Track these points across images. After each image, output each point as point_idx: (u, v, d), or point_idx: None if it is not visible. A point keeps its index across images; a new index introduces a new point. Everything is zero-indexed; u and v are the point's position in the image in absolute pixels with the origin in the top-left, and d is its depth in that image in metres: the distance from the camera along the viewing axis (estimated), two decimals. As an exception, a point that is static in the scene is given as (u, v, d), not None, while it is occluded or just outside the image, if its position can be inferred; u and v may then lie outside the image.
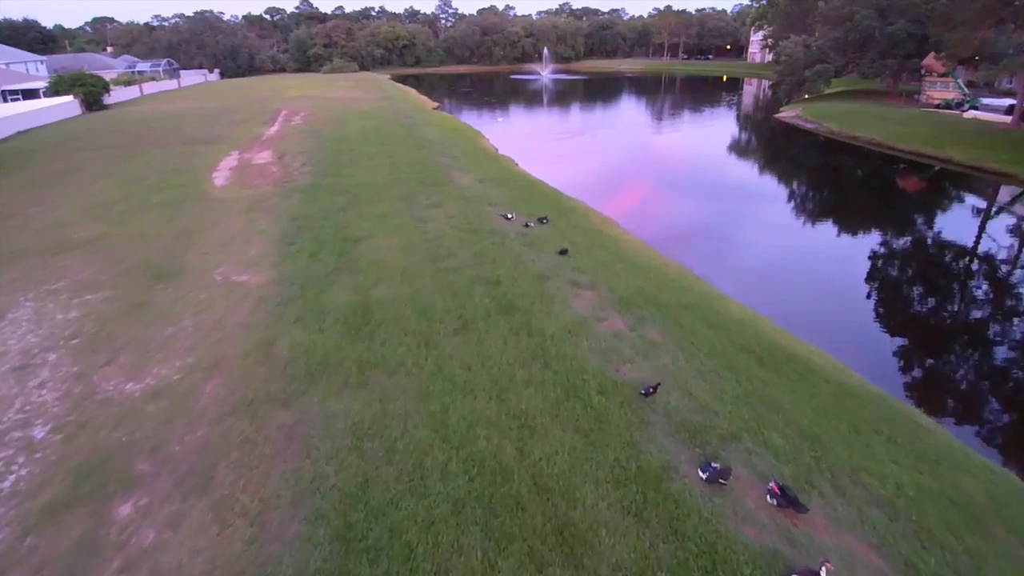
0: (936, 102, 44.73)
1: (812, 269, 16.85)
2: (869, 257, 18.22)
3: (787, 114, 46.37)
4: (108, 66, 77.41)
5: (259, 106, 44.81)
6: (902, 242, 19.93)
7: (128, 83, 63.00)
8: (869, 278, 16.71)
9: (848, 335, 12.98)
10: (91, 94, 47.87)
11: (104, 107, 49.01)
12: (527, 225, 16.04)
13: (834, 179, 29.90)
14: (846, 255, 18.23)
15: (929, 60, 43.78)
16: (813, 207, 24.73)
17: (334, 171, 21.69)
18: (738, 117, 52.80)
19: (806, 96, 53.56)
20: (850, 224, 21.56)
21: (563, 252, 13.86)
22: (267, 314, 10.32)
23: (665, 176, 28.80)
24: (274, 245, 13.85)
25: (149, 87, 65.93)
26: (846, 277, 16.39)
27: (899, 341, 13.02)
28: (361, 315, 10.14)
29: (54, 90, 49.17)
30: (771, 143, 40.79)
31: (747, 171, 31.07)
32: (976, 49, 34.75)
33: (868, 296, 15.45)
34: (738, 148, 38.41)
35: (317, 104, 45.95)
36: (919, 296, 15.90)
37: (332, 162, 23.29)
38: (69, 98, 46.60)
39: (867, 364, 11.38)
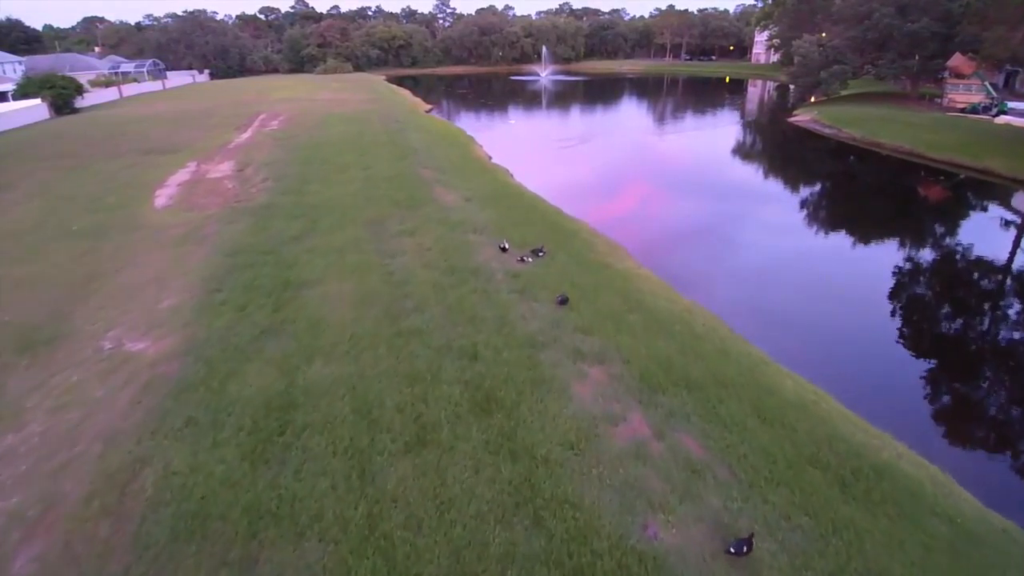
0: (960, 106, 41.76)
1: (869, 304, 13.91)
2: (932, 286, 15.35)
3: (801, 118, 43.42)
4: (91, 67, 74.41)
5: (238, 109, 41.88)
6: (976, 273, 16.99)
7: (107, 84, 60.16)
8: (934, 315, 13.81)
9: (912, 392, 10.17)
10: (61, 97, 44.92)
11: (75, 111, 46.09)
12: (523, 260, 13.13)
13: (868, 192, 26.93)
14: (905, 284, 15.33)
15: (956, 61, 40.85)
16: (852, 227, 21.59)
17: (297, 187, 18.76)
18: (750, 121, 49.80)
19: (812, 100, 50.70)
20: (898, 244, 18.64)
21: (563, 301, 10.94)
22: (148, 413, 7.38)
23: (678, 190, 25.82)
24: (195, 293, 10.91)
25: (130, 89, 63.04)
26: (909, 317, 13.51)
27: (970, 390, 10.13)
28: (277, 417, 7.20)
29: (23, 92, 46.32)
30: (790, 151, 37.83)
31: (769, 183, 28.13)
32: (1014, 49, 31.84)
33: (947, 342, 12.55)
34: (755, 156, 35.52)
35: (300, 107, 43.02)
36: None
37: (298, 176, 20.35)
38: (37, 101, 43.74)
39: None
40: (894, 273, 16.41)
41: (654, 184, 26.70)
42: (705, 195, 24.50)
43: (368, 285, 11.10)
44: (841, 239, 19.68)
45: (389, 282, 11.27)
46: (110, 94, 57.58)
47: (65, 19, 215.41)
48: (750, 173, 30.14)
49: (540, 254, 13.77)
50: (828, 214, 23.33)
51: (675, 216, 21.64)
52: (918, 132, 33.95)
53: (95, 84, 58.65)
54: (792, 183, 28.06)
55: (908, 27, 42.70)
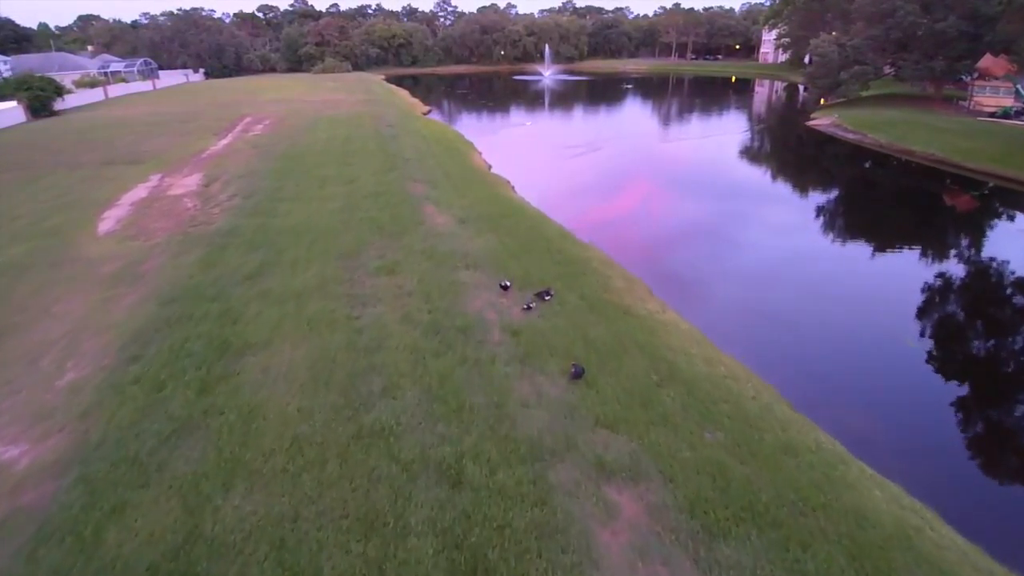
0: (989, 110, 39.23)
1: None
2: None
3: (821, 121, 40.89)
4: (79, 66, 72.01)
5: (223, 112, 39.53)
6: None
7: (92, 85, 57.87)
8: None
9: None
10: (37, 99, 42.64)
11: (53, 113, 43.81)
12: (528, 307, 10.76)
13: (912, 207, 24.41)
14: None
15: (987, 61, 38.27)
16: (903, 246, 19.04)
17: (267, 206, 16.38)
18: (765, 125, 47.17)
19: (823, 102, 48.12)
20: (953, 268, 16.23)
21: (577, 375, 8.55)
22: (-27, 589, 5.03)
23: (696, 203, 23.35)
24: (107, 362, 8.54)
25: (117, 89, 60.86)
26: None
27: None
28: (160, 601, 4.84)
29: (-1, 94, 44.06)
30: (814, 158, 35.22)
31: (798, 195, 25.68)
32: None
33: None
34: (777, 164, 32.77)
35: (290, 109, 40.65)
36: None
37: (271, 192, 17.97)
38: (13, 104, 41.44)
39: None
40: (954, 297, 14.07)
41: (670, 197, 24.24)
42: (727, 209, 21.99)
43: (327, 351, 8.70)
44: (892, 259, 17.21)
45: (355, 347, 8.87)
46: (95, 95, 55.35)
47: (61, 18, 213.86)
48: (774, 183, 27.62)
49: (547, 297, 11.39)
50: (873, 232, 20.81)
51: (695, 233, 19.15)
52: (950, 138, 31.46)
53: (80, 84, 56.39)
54: (823, 195, 25.58)
55: (934, 26, 40.18)
